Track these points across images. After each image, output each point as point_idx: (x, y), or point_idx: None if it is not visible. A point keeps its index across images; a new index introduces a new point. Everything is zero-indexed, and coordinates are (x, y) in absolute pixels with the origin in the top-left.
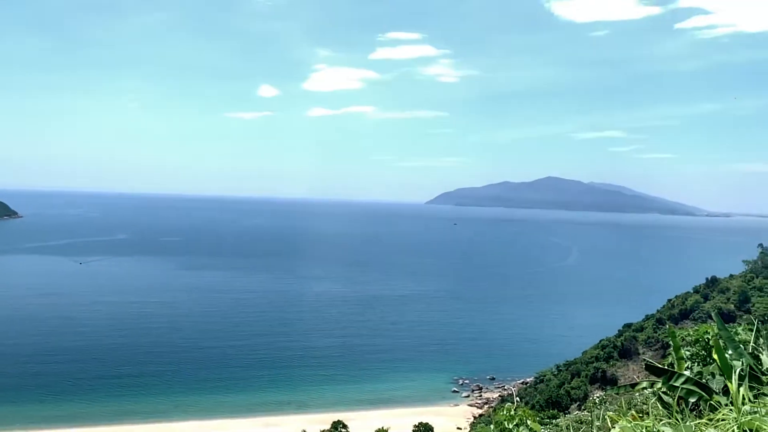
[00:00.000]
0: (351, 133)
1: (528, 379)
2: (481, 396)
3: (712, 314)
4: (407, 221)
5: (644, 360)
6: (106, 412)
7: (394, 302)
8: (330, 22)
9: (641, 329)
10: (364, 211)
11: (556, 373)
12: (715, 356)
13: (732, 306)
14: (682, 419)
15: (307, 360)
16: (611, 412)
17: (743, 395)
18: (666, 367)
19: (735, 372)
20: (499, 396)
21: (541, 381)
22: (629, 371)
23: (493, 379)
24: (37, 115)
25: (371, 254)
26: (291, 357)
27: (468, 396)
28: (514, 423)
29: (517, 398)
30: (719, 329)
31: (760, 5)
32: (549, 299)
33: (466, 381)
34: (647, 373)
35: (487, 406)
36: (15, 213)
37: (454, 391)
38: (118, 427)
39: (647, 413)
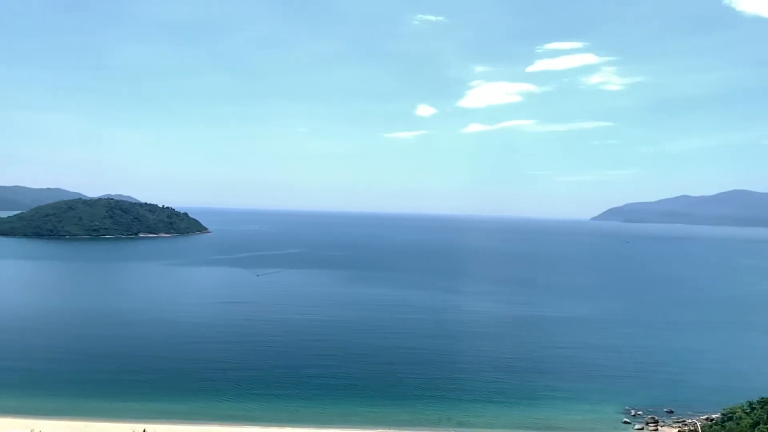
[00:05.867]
0: (508, 148)
1: (714, 416)
2: (657, 430)
3: None
4: (571, 238)
5: None
6: (283, 413)
7: (557, 324)
8: (486, 38)
9: None
10: (524, 227)
11: (748, 411)
12: None
13: None
14: None
15: (467, 380)
16: None
17: None
18: None
19: None
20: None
21: (730, 419)
22: None
23: (672, 412)
24: (226, 142)
25: (532, 272)
26: (448, 380)
27: (642, 429)
28: None
29: None
30: None
31: None
32: (741, 327)
33: (639, 412)
34: None
35: None
36: (205, 229)
37: (626, 422)
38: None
39: None
